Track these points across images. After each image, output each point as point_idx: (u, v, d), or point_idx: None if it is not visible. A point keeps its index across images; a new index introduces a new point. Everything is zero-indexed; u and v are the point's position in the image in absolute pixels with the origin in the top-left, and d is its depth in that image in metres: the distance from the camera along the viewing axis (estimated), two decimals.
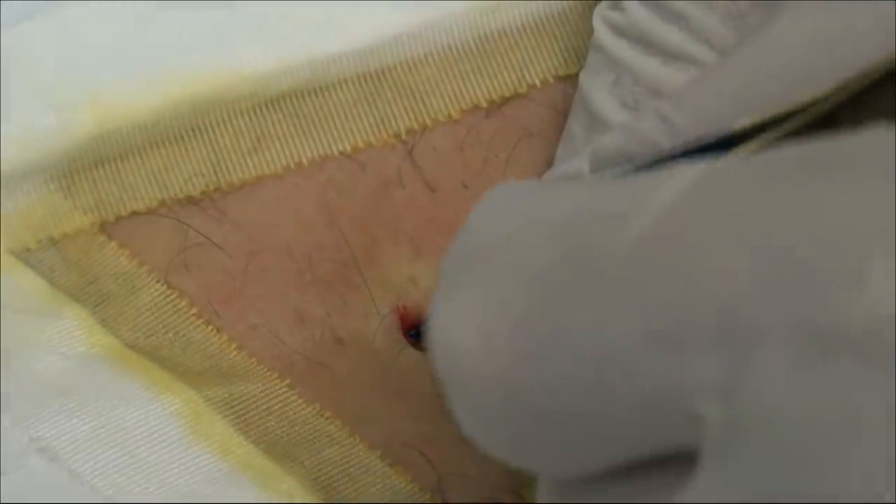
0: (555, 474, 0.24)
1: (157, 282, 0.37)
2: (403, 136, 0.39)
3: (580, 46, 0.39)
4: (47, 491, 0.33)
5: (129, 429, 0.34)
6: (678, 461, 0.23)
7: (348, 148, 0.37)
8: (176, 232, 0.37)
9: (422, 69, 0.39)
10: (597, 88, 0.34)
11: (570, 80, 0.39)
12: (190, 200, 0.37)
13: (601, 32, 0.34)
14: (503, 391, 0.22)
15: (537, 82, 0.39)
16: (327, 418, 0.35)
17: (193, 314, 0.37)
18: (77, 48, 0.38)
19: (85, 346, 0.35)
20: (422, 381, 0.36)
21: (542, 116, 0.39)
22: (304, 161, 0.37)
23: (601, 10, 0.34)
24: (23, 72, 0.37)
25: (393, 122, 0.39)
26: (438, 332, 0.23)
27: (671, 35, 0.32)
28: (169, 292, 0.37)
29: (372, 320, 0.37)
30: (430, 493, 0.34)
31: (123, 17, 0.38)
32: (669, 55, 0.32)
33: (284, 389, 0.36)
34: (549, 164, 0.38)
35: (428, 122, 0.39)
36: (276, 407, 0.35)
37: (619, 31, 0.33)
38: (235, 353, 0.36)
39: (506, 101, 0.39)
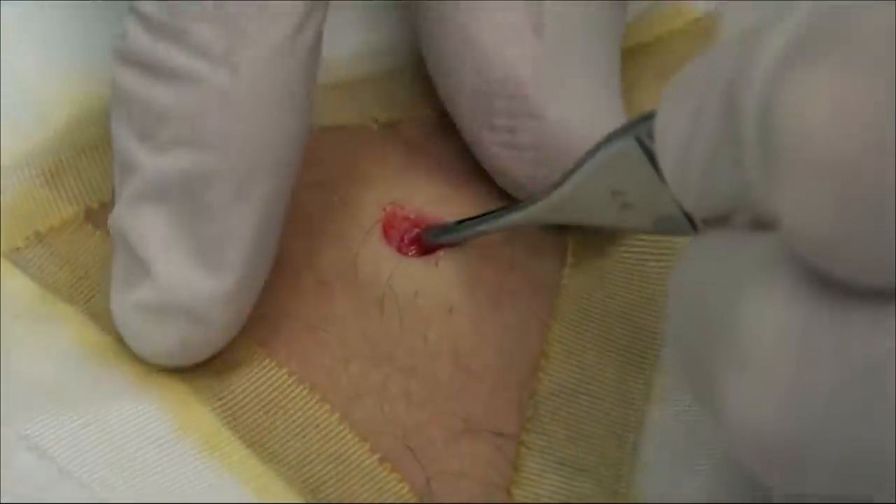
0: (861, 276, 0.22)
1: None
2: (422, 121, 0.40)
3: None
4: (36, 487, 0.33)
5: (118, 425, 0.34)
6: None
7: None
8: None
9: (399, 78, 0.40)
10: (117, 128, 0.33)
11: None
12: None
13: (112, 66, 0.34)
14: (851, 178, 0.21)
15: None
16: (317, 402, 0.36)
17: None
18: (52, 40, 0.38)
19: (75, 345, 0.35)
20: (417, 348, 0.36)
21: None
22: None
23: (114, 46, 0.34)
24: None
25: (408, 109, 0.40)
26: (785, 101, 0.21)
27: (171, 55, 0.32)
28: None
29: (354, 240, 0.37)
30: (417, 496, 0.35)
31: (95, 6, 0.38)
32: (172, 76, 0.32)
33: (274, 369, 0.36)
34: None
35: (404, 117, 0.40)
36: (266, 393, 0.35)
37: (127, 60, 0.33)
38: None
39: None
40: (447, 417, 0.36)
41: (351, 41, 0.42)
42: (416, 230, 0.38)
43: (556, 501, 0.35)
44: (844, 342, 0.22)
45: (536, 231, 0.38)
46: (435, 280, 0.37)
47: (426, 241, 0.37)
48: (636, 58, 0.41)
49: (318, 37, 0.34)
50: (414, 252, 0.37)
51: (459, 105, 0.38)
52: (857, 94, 0.21)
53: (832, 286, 0.22)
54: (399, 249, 0.37)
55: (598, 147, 0.33)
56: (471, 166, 0.39)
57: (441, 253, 0.38)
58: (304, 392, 0.35)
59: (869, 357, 0.22)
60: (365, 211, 0.38)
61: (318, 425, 0.35)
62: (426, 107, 0.41)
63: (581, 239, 0.38)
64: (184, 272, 0.33)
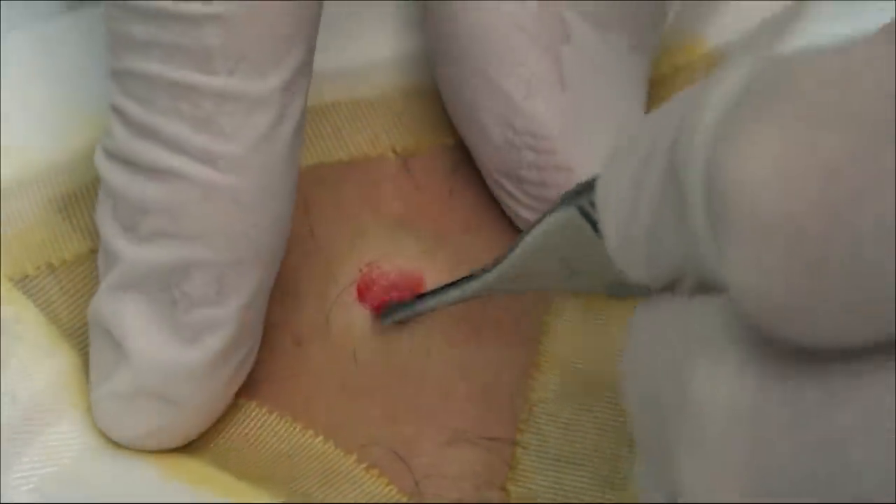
0: (812, 339, 0.22)
1: None
2: (398, 151, 0.40)
3: None
4: None
5: (104, 472, 0.34)
6: None
7: (345, 157, 0.39)
8: None
9: (418, 98, 0.40)
10: (102, 218, 0.34)
11: None
12: None
13: (98, 160, 0.34)
14: (794, 238, 0.20)
15: None
16: (300, 430, 0.35)
17: None
18: (66, 65, 0.39)
19: (75, 397, 0.35)
20: (391, 380, 0.36)
21: None
22: (301, 167, 0.37)
23: (101, 141, 0.34)
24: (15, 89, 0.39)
25: (387, 140, 0.40)
26: (726, 159, 0.20)
27: (151, 152, 0.32)
28: None
29: (330, 299, 0.38)
30: (407, 496, 0.34)
31: None
32: (152, 171, 0.32)
33: (254, 409, 0.36)
34: None
35: (423, 145, 0.40)
36: (251, 432, 0.36)
37: (111, 155, 0.33)
38: None
39: None
40: (436, 430, 0.35)
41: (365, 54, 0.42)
42: (389, 297, 0.38)
43: (550, 495, 0.34)
44: (797, 417, 0.21)
45: None
46: (408, 333, 0.37)
47: (382, 322, 0.37)
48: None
49: (299, 126, 0.34)
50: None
51: (483, 151, 0.38)
52: (799, 149, 0.20)
53: (783, 355, 0.21)
54: (373, 310, 0.38)
55: (541, 217, 0.32)
56: (473, 206, 0.39)
57: None
58: (287, 424, 0.36)
59: (824, 433, 0.21)
60: (345, 270, 0.38)
61: (303, 449, 0.35)
62: (446, 136, 0.41)
63: None
64: (159, 352, 0.33)
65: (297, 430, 0.35)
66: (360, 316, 0.38)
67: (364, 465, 0.34)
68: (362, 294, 0.38)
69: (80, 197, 0.38)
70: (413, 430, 0.35)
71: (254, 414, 0.36)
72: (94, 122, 0.39)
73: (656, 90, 0.41)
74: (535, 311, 0.37)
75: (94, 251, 0.37)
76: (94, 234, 0.37)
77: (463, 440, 0.35)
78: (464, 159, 0.40)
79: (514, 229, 0.39)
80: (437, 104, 0.40)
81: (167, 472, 0.34)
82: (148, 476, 0.34)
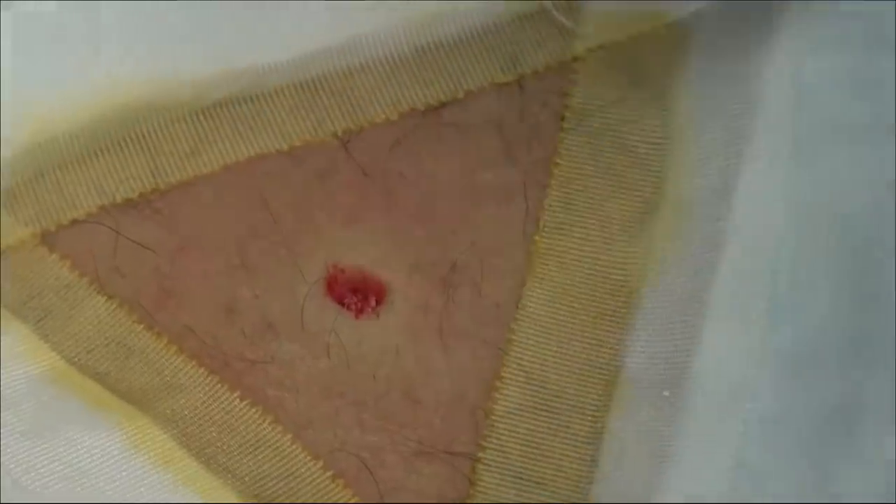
0: None
1: (97, 293, 0.37)
2: (340, 135, 0.39)
3: (516, 55, 0.40)
4: None
5: (71, 444, 0.34)
6: None
7: (286, 146, 0.38)
8: (110, 238, 0.37)
9: (359, 78, 0.39)
10: None
11: (506, 87, 0.39)
12: (128, 204, 0.37)
13: None
14: None
15: (474, 88, 0.39)
16: (269, 423, 0.36)
17: (133, 321, 0.37)
18: (10, 59, 0.37)
19: (27, 364, 0.36)
20: (361, 380, 0.36)
21: (478, 118, 0.39)
22: (242, 160, 0.37)
23: None
24: None
25: (330, 124, 0.39)
26: None
27: None
28: (108, 303, 0.37)
29: (300, 292, 0.37)
30: None
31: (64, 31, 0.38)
32: None
33: (225, 393, 0.36)
34: (480, 159, 0.38)
35: (365, 124, 0.39)
36: (217, 415, 0.36)
37: None
38: (175, 357, 0.37)
39: (443, 105, 0.39)
40: (401, 441, 0.36)
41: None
42: (357, 292, 0.37)
43: None
44: None
45: (494, 256, 0.38)
46: (378, 330, 0.37)
47: None
48: (608, 58, 0.40)
49: None
50: (355, 310, 0.37)
51: None
52: None
53: None
54: (342, 306, 0.37)
55: None
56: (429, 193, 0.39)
57: (381, 306, 0.37)
58: (256, 415, 0.36)
59: None
60: (311, 265, 0.38)
61: (270, 445, 0.35)
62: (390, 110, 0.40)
63: (544, 254, 0.38)
64: None
65: (266, 423, 0.36)
66: (331, 311, 0.37)
67: (330, 474, 0.35)
68: (331, 288, 0.37)
69: (22, 191, 0.37)
70: (380, 439, 0.36)
71: (222, 397, 0.36)
72: (40, 121, 0.37)
73: (626, 54, 0.41)
74: (504, 319, 0.38)
75: (35, 236, 0.37)
76: (35, 223, 0.37)
77: (427, 453, 0.36)
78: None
79: None
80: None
81: (132, 440, 0.35)
82: (111, 445, 0.34)
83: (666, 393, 0.35)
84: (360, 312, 0.37)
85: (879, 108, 0.36)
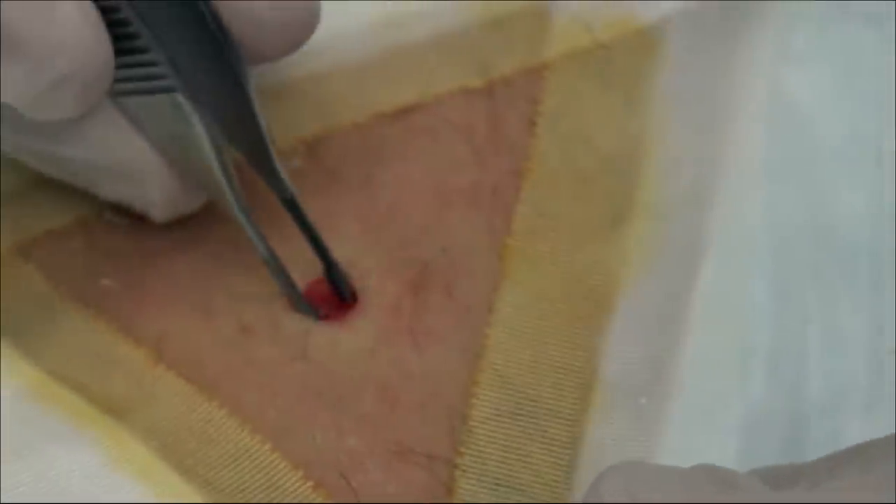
0: None
1: (75, 302, 0.37)
2: (309, 139, 0.39)
3: (486, 60, 0.40)
4: None
5: (48, 460, 0.34)
6: None
7: None
8: (87, 246, 0.37)
9: (327, 82, 0.39)
10: None
11: (475, 92, 0.39)
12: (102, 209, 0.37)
13: None
14: None
15: (443, 92, 0.39)
16: (249, 432, 0.36)
17: (113, 330, 0.37)
18: None
19: (7, 379, 0.35)
20: (338, 382, 0.36)
21: (448, 123, 0.39)
22: None
23: None
24: None
25: (298, 130, 0.39)
26: None
27: None
28: (86, 312, 0.37)
29: (276, 297, 0.38)
30: None
31: None
32: None
33: (204, 403, 0.36)
34: (450, 163, 0.39)
35: (334, 127, 0.39)
36: (197, 426, 0.35)
37: None
38: (154, 366, 0.36)
39: (411, 108, 0.39)
40: (379, 444, 0.36)
41: None
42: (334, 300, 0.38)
43: None
44: None
45: (466, 259, 0.38)
46: (353, 335, 0.37)
47: None
48: (579, 63, 0.40)
49: None
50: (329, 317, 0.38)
51: None
52: None
53: None
54: (317, 310, 0.38)
55: None
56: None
57: (355, 309, 0.38)
58: (235, 424, 0.36)
59: None
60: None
61: (250, 455, 0.35)
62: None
63: (517, 258, 0.38)
64: None
65: (245, 432, 0.36)
66: (307, 318, 0.37)
67: (310, 484, 0.35)
68: (308, 295, 0.38)
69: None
70: (357, 443, 0.36)
71: (201, 408, 0.36)
72: None
73: (596, 60, 0.41)
74: (477, 323, 0.38)
75: (11, 249, 0.37)
76: (11, 235, 0.37)
77: (404, 459, 0.36)
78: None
79: None
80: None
81: (111, 455, 0.34)
82: (90, 461, 0.34)
83: (643, 400, 0.36)
84: (334, 319, 0.37)
85: (856, 120, 0.37)
